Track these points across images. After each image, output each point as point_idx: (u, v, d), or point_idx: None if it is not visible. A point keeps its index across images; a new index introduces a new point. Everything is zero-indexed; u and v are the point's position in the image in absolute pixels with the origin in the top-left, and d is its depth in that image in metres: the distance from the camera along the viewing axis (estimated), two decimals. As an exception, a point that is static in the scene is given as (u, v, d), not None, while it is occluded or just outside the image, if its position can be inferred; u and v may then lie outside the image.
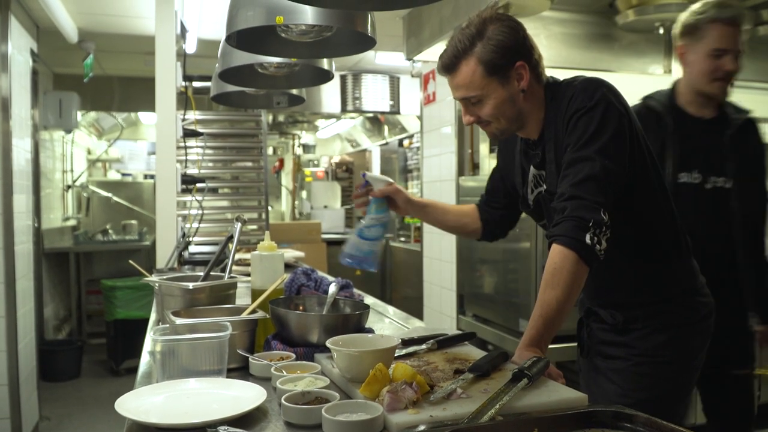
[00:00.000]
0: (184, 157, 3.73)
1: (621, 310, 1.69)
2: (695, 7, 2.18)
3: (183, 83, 3.68)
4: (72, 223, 6.50)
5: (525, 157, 1.71)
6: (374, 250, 1.75)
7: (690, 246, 1.71)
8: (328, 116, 7.43)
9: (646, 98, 2.26)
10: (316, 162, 9.16)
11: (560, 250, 1.42)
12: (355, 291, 1.93)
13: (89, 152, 7.64)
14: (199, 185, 3.70)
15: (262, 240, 1.77)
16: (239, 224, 1.86)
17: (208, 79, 3.61)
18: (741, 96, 4.24)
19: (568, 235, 1.42)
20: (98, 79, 5.78)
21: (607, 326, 1.74)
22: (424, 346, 1.53)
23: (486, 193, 1.93)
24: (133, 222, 6.60)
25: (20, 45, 4.02)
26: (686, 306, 1.68)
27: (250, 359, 1.41)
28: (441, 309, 4.35)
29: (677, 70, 4.10)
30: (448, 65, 1.56)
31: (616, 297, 1.70)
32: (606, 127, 1.49)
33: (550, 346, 1.45)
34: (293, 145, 8.69)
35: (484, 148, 4.10)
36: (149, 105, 3.65)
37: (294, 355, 1.43)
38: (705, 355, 1.72)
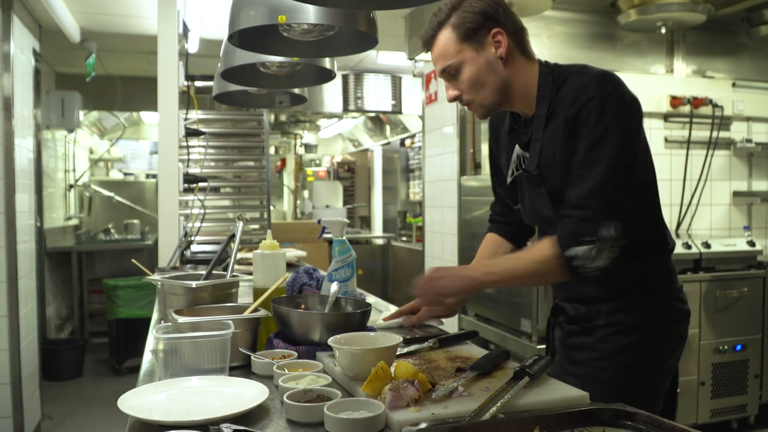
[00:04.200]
0: (186, 157, 3.74)
1: (585, 303, 1.61)
2: None
3: (185, 82, 3.68)
4: (74, 222, 6.50)
5: (510, 137, 1.66)
6: (348, 290, 1.77)
7: (673, 244, 1.64)
8: (330, 116, 7.44)
9: None
10: (317, 161, 9.17)
11: (549, 242, 1.45)
12: (357, 290, 1.93)
13: (91, 151, 7.65)
14: (201, 184, 3.71)
15: (264, 239, 1.77)
16: (241, 223, 1.86)
17: (210, 78, 3.61)
18: (744, 95, 4.26)
19: (565, 238, 1.42)
20: (100, 78, 5.78)
21: (573, 327, 1.65)
22: (425, 345, 1.54)
23: (496, 208, 1.90)
24: (135, 221, 6.60)
25: (23, 44, 4.02)
26: (661, 304, 1.59)
27: (252, 357, 1.41)
28: (443, 308, 4.35)
29: (679, 70, 4.12)
30: (428, 39, 1.56)
31: (581, 289, 1.61)
32: (621, 122, 1.43)
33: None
34: (295, 145, 8.70)
35: (485, 147, 4.10)
36: (151, 104, 3.66)
37: (296, 354, 1.44)
38: (676, 362, 1.64)
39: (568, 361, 1.65)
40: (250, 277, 1.85)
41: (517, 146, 1.62)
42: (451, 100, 1.58)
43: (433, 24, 1.55)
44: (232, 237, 1.89)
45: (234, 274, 1.82)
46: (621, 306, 1.57)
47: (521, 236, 1.87)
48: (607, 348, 1.56)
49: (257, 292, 1.71)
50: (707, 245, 3.74)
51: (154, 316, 2.14)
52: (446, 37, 1.52)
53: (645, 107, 4.49)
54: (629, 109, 1.47)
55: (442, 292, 1.50)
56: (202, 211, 3.64)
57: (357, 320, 1.52)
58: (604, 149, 1.41)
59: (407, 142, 8.02)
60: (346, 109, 6.17)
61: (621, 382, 1.54)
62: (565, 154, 1.47)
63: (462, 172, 4.19)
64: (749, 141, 4.28)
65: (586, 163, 1.43)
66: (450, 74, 1.55)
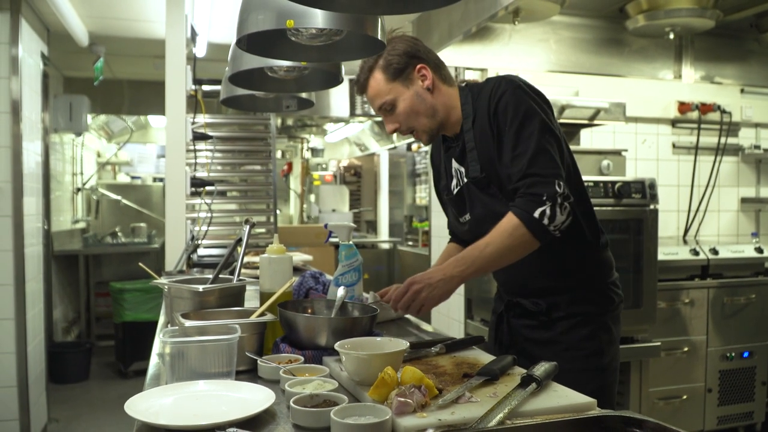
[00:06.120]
0: (193, 160, 3.74)
1: (544, 297, 1.72)
2: None
3: (193, 86, 3.69)
4: (81, 225, 6.53)
5: (446, 155, 1.81)
6: (354, 294, 1.78)
7: (606, 239, 1.77)
8: (337, 120, 7.43)
9: None
10: (324, 165, 9.17)
11: (510, 217, 1.55)
12: (364, 294, 1.93)
13: (99, 155, 7.68)
14: (208, 188, 3.71)
15: (271, 243, 1.77)
16: (248, 227, 1.86)
17: (217, 82, 3.62)
18: (752, 101, 4.24)
19: (521, 207, 1.54)
20: (108, 82, 5.81)
21: (531, 323, 1.74)
22: (432, 350, 1.53)
23: (451, 228, 2.03)
24: (142, 225, 6.62)
25: (31, 48, 4.05)
26: (603, 294, 1.73)
27: (258, 362, 1.41)
28: (449, 313, 4.35)
29: (687, 75, 4.11)
30: (361, 85, 1.76)
31: (540, 283, 1.72)
32: (535, 105, 1.62)
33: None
34: (302, 149, 8.71)
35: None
36: (159, 108, 3.67)
37: (302, 358, 1.43)
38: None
39: (528, 357, 1.65)
40: (257, 281, 1.85)
41: (453, 161, 1.78)
42: (391, 132, 1.79)
43: (363, 70, 1.74)
44: (239, 241, 1.89)
45: (241, 278, 1.82)
46: (578, 297, 1.70)
47: None
48: (570, 339, 1.69)
49: (264, 296, 1.71)
50: (715, 252, 3.72)
51: (161, 320, 2.14)
52: (377, 79, 1.72)
53: (653, 113, 4.47)
54: (538, 96, 1.66)
55: (428, 304, 1.61)
56: (209, 214, 3.64)
57: (364, 325, 1.52)
58: (530, 127, 1.59)
59: (414, 147, 8.02)
60: (353, 114, 6.17)
61: (589, 367, 1.67)
62: (498, 149, 1.64)
63: (468, 176, 4.19)
64: (757, 147, 4.27)
65: (518, 143, 1.59)
66: (386, 110, 1.74)
